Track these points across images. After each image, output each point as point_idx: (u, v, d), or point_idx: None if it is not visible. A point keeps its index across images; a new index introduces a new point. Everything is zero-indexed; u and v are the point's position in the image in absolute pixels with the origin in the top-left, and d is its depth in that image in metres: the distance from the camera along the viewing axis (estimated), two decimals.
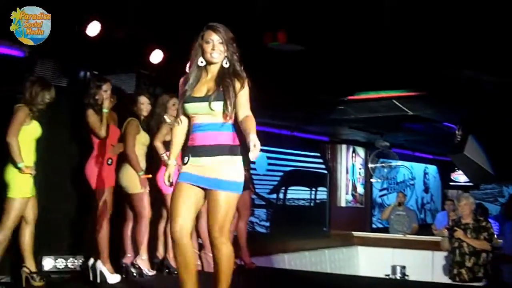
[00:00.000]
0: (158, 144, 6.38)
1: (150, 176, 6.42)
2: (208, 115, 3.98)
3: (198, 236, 6.96)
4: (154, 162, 6.58)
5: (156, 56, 7.10)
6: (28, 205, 5.55)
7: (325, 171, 12.76)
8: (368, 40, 7.01)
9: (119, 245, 6.45)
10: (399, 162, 13.85)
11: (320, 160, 12.69)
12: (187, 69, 4.13)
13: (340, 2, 6.62)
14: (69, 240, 6.54)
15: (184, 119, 4.13)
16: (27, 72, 6.15)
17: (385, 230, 12.85)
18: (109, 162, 6.08)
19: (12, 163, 5.42)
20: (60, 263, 6.31)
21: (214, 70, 4.06)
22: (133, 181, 6.28)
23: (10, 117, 5.43)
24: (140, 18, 6.61)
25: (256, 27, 6.70)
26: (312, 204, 12.39)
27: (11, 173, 5.44)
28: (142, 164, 6.37)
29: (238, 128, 3.99)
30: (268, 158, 11.05)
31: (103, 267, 5.95)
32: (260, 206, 10.89)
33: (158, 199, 6.61)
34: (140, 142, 6.37)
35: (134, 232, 6.41)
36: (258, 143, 3.74)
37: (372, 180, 13.73)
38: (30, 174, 5.46)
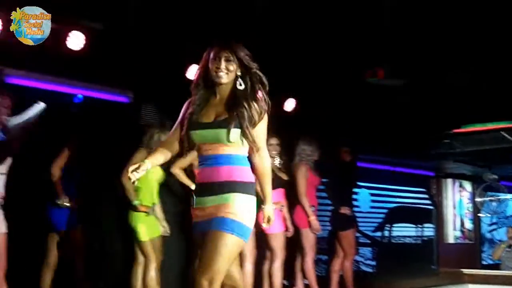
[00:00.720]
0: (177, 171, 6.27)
1: None
2: (217, 144, 3.30)
3: (304, 276, 6.85)
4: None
5: None
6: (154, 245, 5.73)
7: (431, 207, 12.39)
8: (473, 72, 6.81)
9: None
10: (508, 196, 13.29)
11: (426, 196, 12.35)
12: (192, 89, 3.43)
13: (440, 36, 6.47)
14: None
15: (174, 142, 3.43)
16: (132, 117, 6.37)
17: (496, 266, 12.30)
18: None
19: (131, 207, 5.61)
20: None
21: (224, 92, 3.38)
22: None
23: (121, 160, 5.58)
24: None
25: (357, 64, 6.64)
26: (419, 241, 12.04)
27: (132, 217, 5.64)
28: None
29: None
30: (372, 195, 10.85)
31: None
32: (365, 244, 10.68)
33: (261, 239, 6.55)
34: None
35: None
36: (272, 216, 3.41)
37: (480, 214, 13.21)
38: (146, 213, 5.59)
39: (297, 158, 6.82)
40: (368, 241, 10.82)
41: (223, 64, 3.28)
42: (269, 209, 3.45)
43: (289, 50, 6.52)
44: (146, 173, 5.42)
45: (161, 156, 3.41)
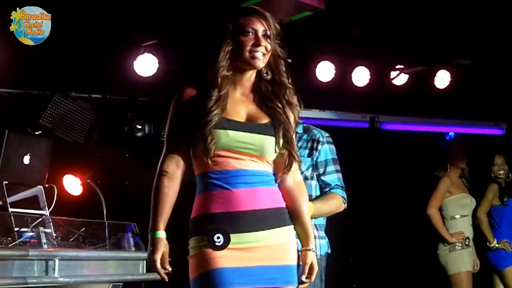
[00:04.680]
0: None
1: None
2: (257, 156, 2.29)
3: None
4: None
5: None
6: None
7: None
8: None
9: None
10: None
11: None
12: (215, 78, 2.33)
13: None
14: None
15: (178, 160, 2.32)
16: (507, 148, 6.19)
17: None
18: None
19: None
20: None
21: (249, 82, 2.39)
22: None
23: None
24: None
25: None
26: None
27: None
28: None
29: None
30: None
31: None
32: None
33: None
34: None
35: None
36: (316, 265, 2.35)
37: None
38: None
39: None
40: None
41: (262, 40, 2.31)
42: (312, 255, 2.37)
43: None
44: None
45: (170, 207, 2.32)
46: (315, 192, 3.31)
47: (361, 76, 5.88)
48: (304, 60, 5.53)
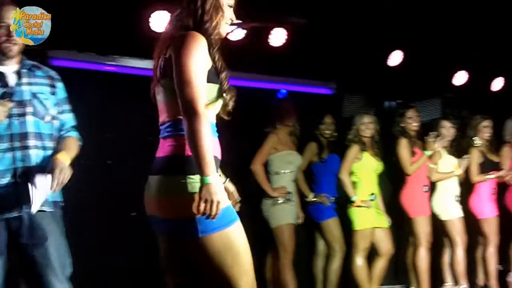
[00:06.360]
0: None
1: None
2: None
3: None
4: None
5: (460, 78, 6.93)
6: (379, 237, 5.78)
7: None
8: None
9: (438, 274, 6.34)
10: None
11: None
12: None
13: None
14: (389, 269, 6.55)
15: None
16: (335, 108, 6.47)
17: None
18: (425, 189, 6.01)
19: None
20: None
21: None
22: (446, 207, 6.13)
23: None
24: (439, 42, 6.51)
25: None
26: None
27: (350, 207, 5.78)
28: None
29: None
30: None
31: None
32: None
33: (471, 224, 6.34)
34: None
35: (452, 259, 6.24)
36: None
37: None
38: (366, 207, 5.68)
39: (506, 139, 6.58)
40: None
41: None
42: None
43: (493, 27, 6.23)
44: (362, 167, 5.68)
45: None
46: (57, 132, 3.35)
47: None
48: (139, 9, 5.37)
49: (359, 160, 5.75)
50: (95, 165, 5.43)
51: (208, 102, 2.50)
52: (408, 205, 5.99)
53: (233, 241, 2.46)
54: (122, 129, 5.65)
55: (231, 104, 2.58)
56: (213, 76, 2.51)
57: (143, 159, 2.85)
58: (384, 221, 5.84)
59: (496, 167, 6.29)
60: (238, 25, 5.97)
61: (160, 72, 2.58)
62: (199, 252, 2.47)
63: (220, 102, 2.56)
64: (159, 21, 5.37)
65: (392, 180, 6.34)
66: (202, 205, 2.34)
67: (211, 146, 2.39)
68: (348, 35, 6.09)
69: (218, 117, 2.63)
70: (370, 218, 5.72)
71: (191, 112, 2.38)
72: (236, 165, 5.51)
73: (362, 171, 5.76)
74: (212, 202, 2.33)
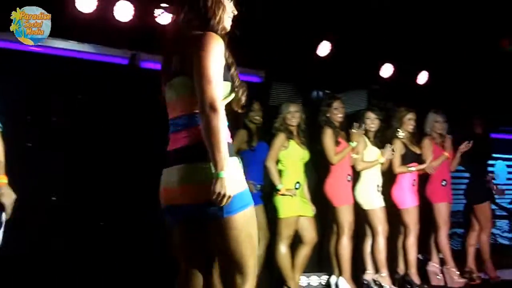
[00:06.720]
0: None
1: None
2: None
3: (438, 250, 6.76)
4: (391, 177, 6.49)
5: (386, 71, 7.06)
6: (303, 226, 5.81)
7: None
8: None
9: (360, 262, 6.45)
10: None
11: None
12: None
13: None
14: (312, 258, 6.64)
15: None
16: (264, 96, 6.48)
17: None
18: (348, 179, 6.10)
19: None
20: (303, 280, 6.45)
21: None
22: (369, 197, 6.25)
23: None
24: (367, 34, 6.60)
25: (492, 32, 6.39)
26: None
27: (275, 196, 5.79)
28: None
29: None
30: (508, 166, 10.45)
31: (346, 285, 6.00)
32: (502, 217, 10.31)
33: (392, 214, 6.48)
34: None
35: (373, 248, 6.37)
36: None
37: None
38: (290, 195, 5.71)
39: (427, 131, 6.73)
40: (505, 214, 10.44)
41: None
42: None
43: (420, 22, 6.37)
44: (287, 156, 5.72)
45: None
46: None
47: (124, 11, 5.68)
48: None
49: (285, 148, 5.78)
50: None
51: (223, 97, 2.68)
52: (331, 194, 6.08)
53: (248, 221, 2.67)
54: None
55: (243, 99, 2.82)
56: (226, 73, 2.70)
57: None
58: (309, 210, 5.89)
59: (418, 158, 6.44)
60: (166, 9, 5.92)
61: (175, 70, 2.74)
62: (221, 233, 2.64)
63: (231, 97, 2.77)
64: (85, 2, 5.27)
65: (317, 169, 6.39)
66: (214, 196, 2.52)
67: (226, 142, 2.57)
68: (279, 24, 6.11)
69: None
70: (294, 207, 5.74)
71: (211, 109, 2.55)
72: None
73: (288, 160, 5.80)
74: (224, 195, 2.53)
